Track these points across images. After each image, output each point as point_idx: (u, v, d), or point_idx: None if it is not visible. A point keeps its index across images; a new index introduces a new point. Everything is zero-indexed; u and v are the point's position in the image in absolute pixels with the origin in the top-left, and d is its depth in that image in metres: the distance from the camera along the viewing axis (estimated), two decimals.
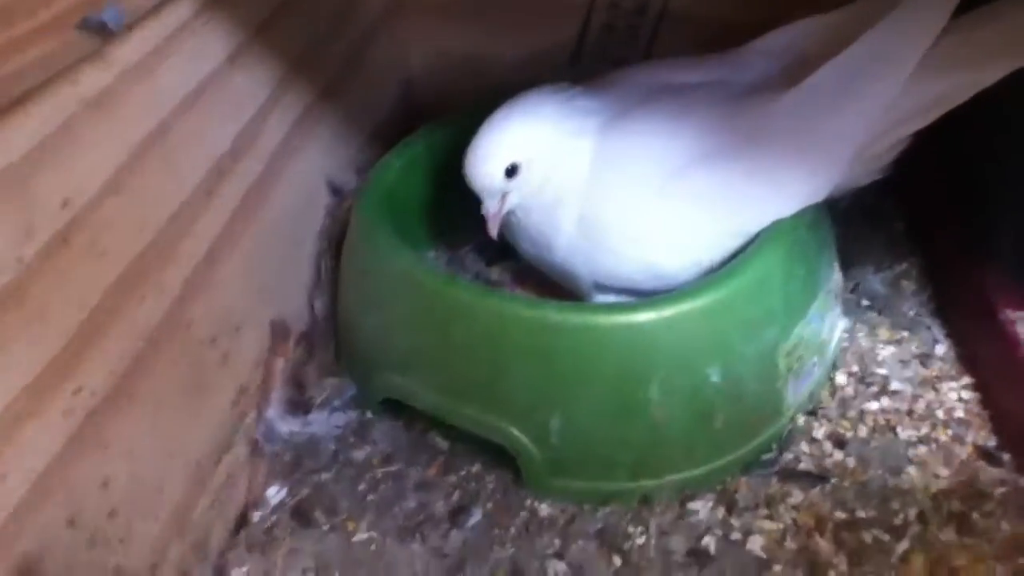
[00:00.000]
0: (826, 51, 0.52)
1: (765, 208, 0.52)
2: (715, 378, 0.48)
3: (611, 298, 0.57)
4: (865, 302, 0.62)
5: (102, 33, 0.36)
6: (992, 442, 0.51)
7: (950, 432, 0.52)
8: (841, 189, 0.53)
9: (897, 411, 0.53)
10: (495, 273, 0.65)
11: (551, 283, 0.60)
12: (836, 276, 0.57)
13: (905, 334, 0.59)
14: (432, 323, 0.51)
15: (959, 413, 0.53)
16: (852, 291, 0.62)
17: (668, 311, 0.47)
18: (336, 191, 0.65)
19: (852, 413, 0.53)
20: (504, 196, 0.54)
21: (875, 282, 0.62)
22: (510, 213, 0.56)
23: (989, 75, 0.49)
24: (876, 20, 0.50)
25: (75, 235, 0.37)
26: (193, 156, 0.46)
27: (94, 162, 0.38)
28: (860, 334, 0.59)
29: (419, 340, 0.53)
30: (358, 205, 0.59)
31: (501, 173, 0.53)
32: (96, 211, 0.38)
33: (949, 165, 0.65)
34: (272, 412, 0.55)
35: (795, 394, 0.52)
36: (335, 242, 0.63)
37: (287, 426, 0.55)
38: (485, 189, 0.54)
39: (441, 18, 0.79)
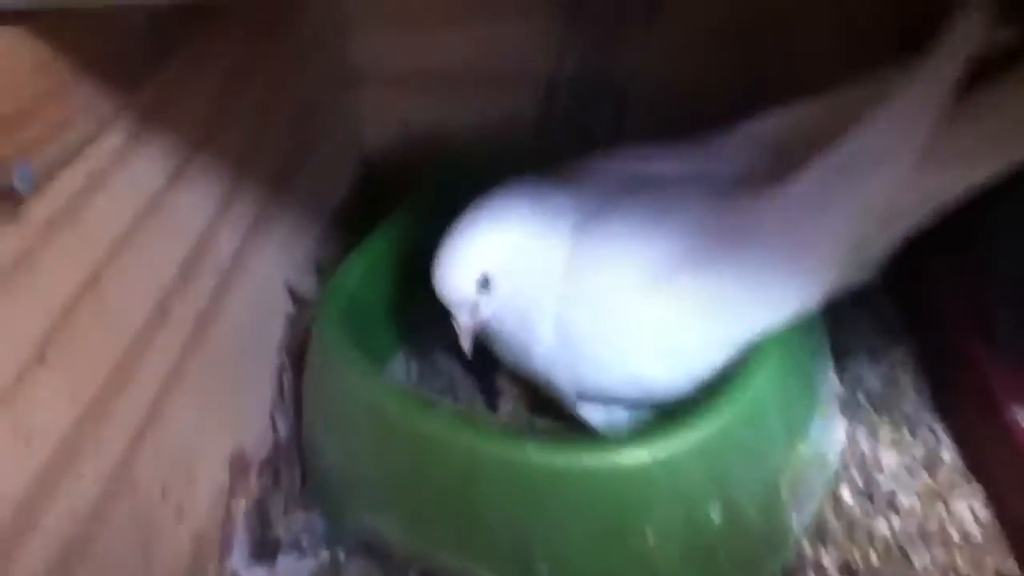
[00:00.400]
0: (813, 139, 0.49)
1: (757, 315, 0.49)
2: (716, 516, 0.44)
3: (597, 409, 0.53)
4: (861, 398, 0.58)
5: (12, 198, 0.31)
6: (1010, 563, 0.48)
7: (967, 556, 0.48)
8: (835, 291, 0.50)
9: (908, 533, 0.50)
10: (466, 384, 0.61)
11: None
12: (833, 381, 0.53)
13: (907, 436, 0.56)
14: (402, 457, 0.47)
15: (974, 532, 0.49)
16: (849, 389, 0.58)
17: (662, 450, 0.43)
18: (296, 298, 0.61)
19: (860, 536, 0.50)
20: (476, 307, 0.50)
21: (871, 377, 0.59)
22: (484, 323, 0.51)
23: (986, 172, 0.46)
24: (864, 106, 0.47)
25: None
26: (132, 299, 0.42)
27: (9, 340, 0.33)
28: (859, 436, 0.56)
29: (388, 477, 0.48)
30: (317, 321, 0.55)
31: (472, 286, 0.49)
32: (17, 395, 0.33)
33: (941, 237, 0.61)
34: (235, 559, 0.50)
35: (799, 518, 0.49)
36: (297, 355, 0.59)
37: (252, 574, 0.50)
38: (455, 303, 0.50)
39: (398, 90, 0.75)
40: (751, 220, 0.49)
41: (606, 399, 0.53)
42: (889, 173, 0.47)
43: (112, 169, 0.40)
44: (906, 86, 0.46)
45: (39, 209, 0.35)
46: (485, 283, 0.49)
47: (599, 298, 0.50)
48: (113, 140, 0.40)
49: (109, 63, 0.39)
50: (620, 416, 0.53)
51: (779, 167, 0.50)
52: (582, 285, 0.50)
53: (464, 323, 0.50)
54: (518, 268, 0.50)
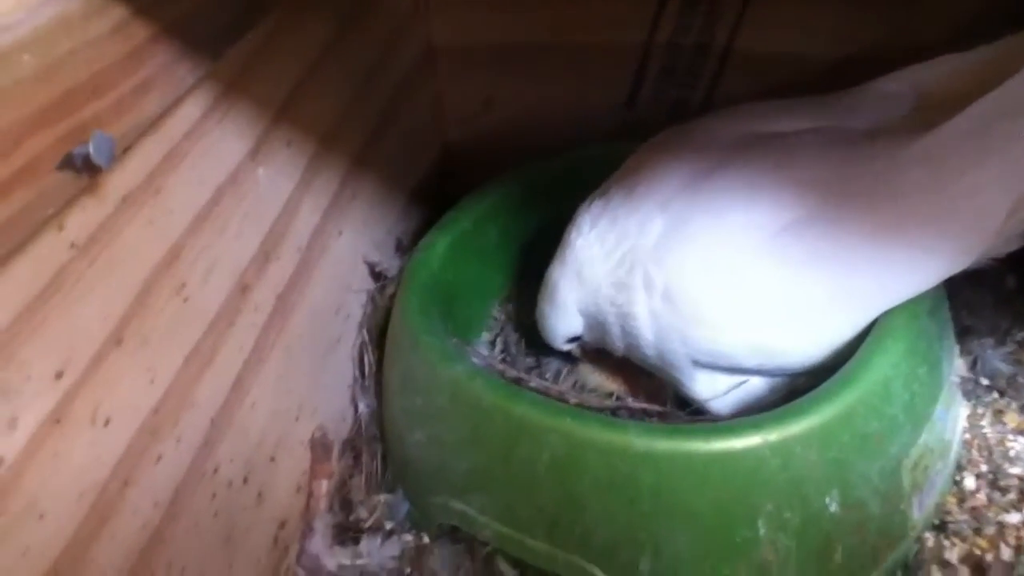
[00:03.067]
0: (960, 96, 0.44)
1: (891, 282, 0.44)
2: (833, 507, 0.41)
3: (718, 377, 0.49)
4: (985, 381, 0.54)
5: (89, 170, 0.30)
6: None
7: None
8: (979, 261, 0.45)
9: None
10: (554, 362, 0.58)
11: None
12: (957, 363, 0.49)
13: None
14: (492, 444, 0.45)
15: None
16: (970, 369, 0.54)
17: (774, 434, 0.40)
18: (377, 274, 0.59)
19: (989, 529, 0.45)
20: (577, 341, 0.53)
21: (994, 358, 0.54)
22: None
23: None
24: (1022, 61, 0.42)
25: (71, 410, 0.31)
26: (212, 278, 0.40)
27: (90, 318, 0.32)
28: (983, 421, 0.51)
29: (477, 462, 0.46)
30: (400, 298, 0.53)
31: (570, 341, 0.53)
32: (95, 376, 0.32)
33: None
34: (317, 543, 0.49)
35: (921, 509, 0.45)
36: (378, 332, 0.57)
37: (335, 559, 0.48)
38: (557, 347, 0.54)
39: (482, 67, 0.72)
40: (890, 172, 0.44)
41: (723, 367, 0.48)
42: None
43: (192, 141, 0.38)
44: None
45: (117, 182, 0.33)
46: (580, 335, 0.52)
47: (711, 259, 0.46)
48: (193, 110, 0.39)
49: (190, 28, 0.37)
50: (739, 394, 0.49)
51: (918, 124, 0.45)
52: (690, 247, 0.46)
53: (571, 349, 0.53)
54: (608, 285, 0.49)
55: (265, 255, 0.45)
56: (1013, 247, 0.46)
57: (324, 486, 0.50)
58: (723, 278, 0.46)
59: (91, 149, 0.29)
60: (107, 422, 0.32)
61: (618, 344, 0.50)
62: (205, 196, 0.40)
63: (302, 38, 0.49)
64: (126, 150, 0.33)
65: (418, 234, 0.62)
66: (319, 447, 0.50)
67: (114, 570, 0.33)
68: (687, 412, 0.50)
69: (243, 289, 0.42)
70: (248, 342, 0.43)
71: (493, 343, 0.60)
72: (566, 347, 0.54)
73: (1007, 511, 0.46)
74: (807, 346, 0.46)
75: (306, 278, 0.49)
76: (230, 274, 0.42)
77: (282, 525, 0.46)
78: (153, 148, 0.35)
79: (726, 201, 0.46)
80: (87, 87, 0.30)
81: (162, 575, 0.36)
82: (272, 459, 0.45)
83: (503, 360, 0.58)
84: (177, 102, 0.36)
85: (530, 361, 0.59)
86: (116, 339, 0.33)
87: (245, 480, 0.43)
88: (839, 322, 0.45)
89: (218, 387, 0.40)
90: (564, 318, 0.51)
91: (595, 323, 0.50)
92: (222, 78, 0.40)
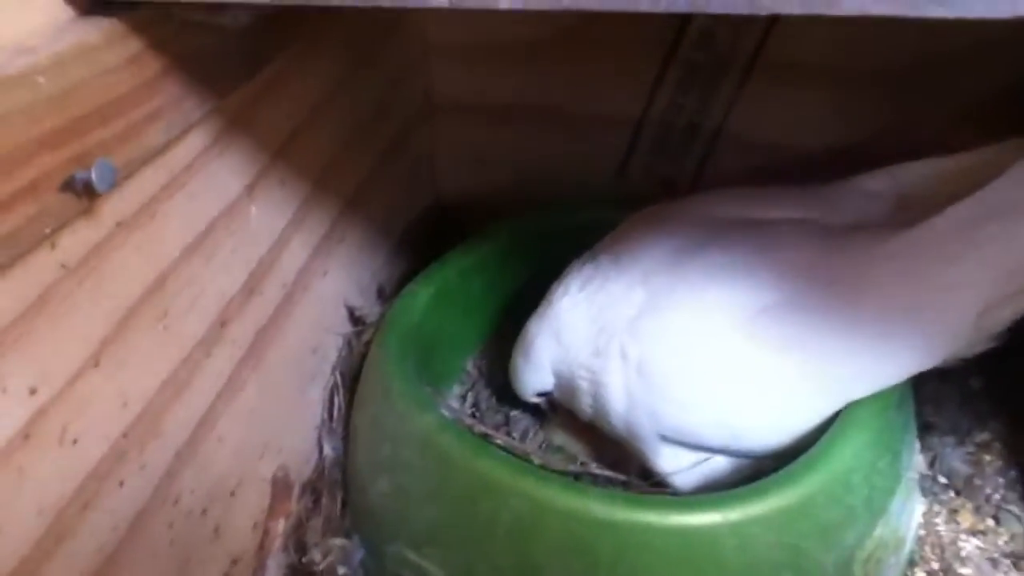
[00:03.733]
0: (941, 199, 0.45)
1: (862, 373, 0.45)
2: None
3: (681, 453, 0.49)
4: (943, 480, 0.54)
5: (89, 194, 0.30)
6: None
7: None
8: (948, 359, 0.46)
9: None
10: (522, 419, 0.59)
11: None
12: (917, 458, 0.50)
13: (991, 523, 0.52)
14: (455, 499, 0.45)
15: None
16: (929, 467, 0.54)
17: (734, 513, 0.40)
18: (356, 319, 0.59)
19: None
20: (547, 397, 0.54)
21: (953, 457, 0.55)
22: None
23: None
24: (1005, 167, 0.43)
25: (41, 427, 0.31)
26: (194, 308, 0.40)
27: (71, 337, 0.32)
28: (938, 519, 0.52)
29: (438, 515, 0.46)
30: (377, 344, 0.53)
31: (539, 395, 0.54)
32: (68, 395, 0.32)
33: None
34: None
35: None
36: (351, 377, 0.57)
37: None
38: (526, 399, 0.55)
39: (479, 123, 0.74)
40: (869, 264, 0.45)
41: (689, 444, 0.49)
42: None
43: (192, 173, 0.39)
44: None
45: (114, 206, 0.34)
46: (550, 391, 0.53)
47: (687, 336, 0.47)
48: (196, 143, 0.39)
49: (201, 64, 0.38)
50: (703, 471, 0.49)
51: (899, 222, 0.46)
52: (668, 322, 0.47)
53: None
54: (585, 352, 0.50)
55: (249, 290, 0.45)
56: (983, 347, 0.47)
57: (281, 525, 0.50)
58: (697, 356, 0.47)
59: (93, 175, 0.30)
60: (75, 442, 0.33)
61: (587, 409, 0.50)
62: (198, 228, 0.40)
63: (306, 82, 0.50)
64: (128, 177, 0.34)
65: (401, 282, 0.63)
66: (280, 486, 0.50)
67: None
68: (650, 483, 0.50)
69: (223, 322, 0.43)
70: (223, 375, 0.43)
71: (464, 397, 0.61)
72: (535, 400, 0.55)
73: None
74: (774, 429, 0.46)
75: (287, 317, 0.50)
76: (213, 305, 0.42)
77: (235, 561, 0.46)
78: (153, 177, 0.36)
79: (706, 280, 0.47)
80: (97, 114, 0.31)
81: None
82: (232, 494, 0.45)
83: (472, 415, 0.58)
84: (182, 134, 0.37)
85: (499, 418, 0.59)
86: (94, 360, 0.33)
87: (204, 512, 0.43)
88: (808, 408, 0.46)
89: (188, 417, 0.40)
90: (536, 374, 0.52)
91: (566, 385, 0.51)
92: (226, 114, 0.41)
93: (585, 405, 0.50)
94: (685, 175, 0.71)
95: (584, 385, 0.49)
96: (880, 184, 0.51)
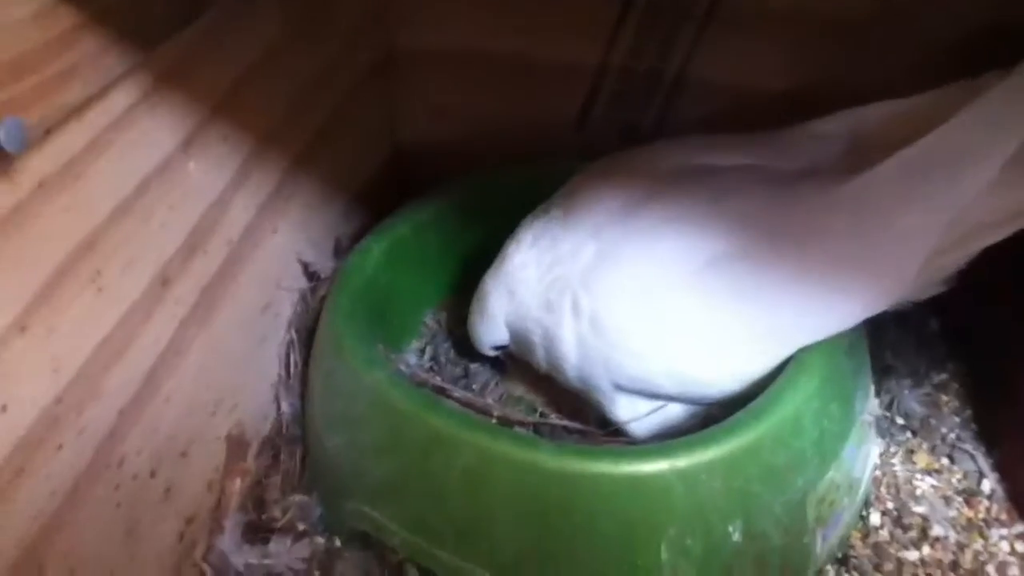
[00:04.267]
0: (893, 142, 0.44)
1: (811, 320, 0.46)
2: (736, 536, 0.41)
3: (637, 402, 0.50)
4: (900, 421, 0.55)
5: (1, 155, 0.29)
6: None
7: None
8: (897, 304, 0.46)
9: (939, 563, 0.46)
10: (482, 372, 0.58)
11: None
12: (872, 402, 0.50)
13: (945, 462, 0.52)
14: (407, 453, 0.45)
15: (1014, 572, 0.46)
16: (886, 408, 0.55)
17: (682, 460, 0.40)
18: (311, 274, 0.58)
19: (889, 565, 0.47)
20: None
21: (910, 398, 0.55)
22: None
23: None
24: (955, 111, 0.43)
25: None
26: (132, 268, 0.39)
27: None
28: (895, 460, 0.53)
29: (391, 470, 0.46)
30: (329, 300, 0.52)
31: (496, 348, 0.54)
32: None
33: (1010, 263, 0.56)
34: (226, 541, 0.48)
35: (823, 544, 0.45)
36: (307, 333, 0.56)
37: (242, 557, 0.48)
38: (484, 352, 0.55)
39: (437, 76, 0.72)
40: (816, 213, 0.45)
41: (644, 392, 0.49)
42: (977, 176, 0.42)
43: (119, 130, 0.38)
44: (1004, 88, 0.42)
45: (34, 167, 0.33)
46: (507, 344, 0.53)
47: (638, 287, 0.47)
48: (122, 99, 0.38)
49: (121, 18, 0.36)
50: (658, 418, 0.49)
51: (850, 167, 0.46)
52: (619, 275, 0.47)
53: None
54: (537, 306, 0.50)
55: (191, 247, 0.44)
56: (933, 292, 0.47)
57: (237, 484, 0.50)
58: (649, 307, 0.46)
59: (1, 135, 0.29)
60: (3, 408, 0.32)
61: (541, 363, 0.50)
62: (130, 186, 0.39)
63: (246, 35, 0.48)
64: (47, 134, 0.33)
65: (359, 236, 0.62)
66: (235, 444, 0.50)
67: (2, 557, 0.33)
68: (606, 432, 0.50)
69: (164, 281, 0.42)
70: (166, 334, 0.43)
71: (423, 351, 0.60)
72: (492, 353, 0.55)
73: (907, 548, 0.47)
74: (726, 377, 0.47)
75: (235, 274, 0.49)
76: (152, 265, 0.41)
77: (189, 521, 0.46)
78: (75, 135, 0.35)
79: (656, 232, 0.47)
80: (3, 71, 0.30)
81: (57, 563, 0.36)
82: (183, 454, 0.45)
83: (430, 369, 0.58)
84: (103, 91, 0.36)
85: (458, 371, 0.59)
86: (20, 326, 0.33)
87: (152, 473, 0.42)
88: (757, 356, 0.46)
89: (129, 379, 0.40)
90: (492, 328, 0.52)
91: (521, 339, 0.51)
92: (156, 68, 0.40)
93: (539, 358, 0.50)
94: (647, 122, 0.70)
95: (538, 340, 0.49)
96: (833, 128, 0.50)
